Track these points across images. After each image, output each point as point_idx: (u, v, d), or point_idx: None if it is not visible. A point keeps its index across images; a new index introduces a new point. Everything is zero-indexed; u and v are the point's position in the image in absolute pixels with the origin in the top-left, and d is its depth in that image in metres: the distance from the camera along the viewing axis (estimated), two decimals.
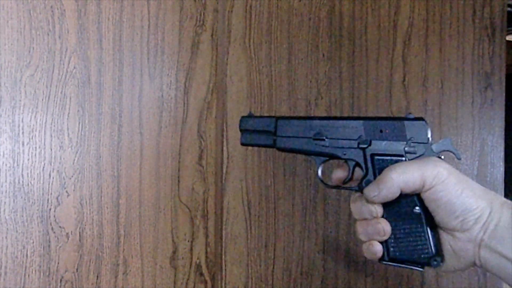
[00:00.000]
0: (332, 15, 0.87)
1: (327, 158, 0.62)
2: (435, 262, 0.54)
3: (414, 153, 0.56)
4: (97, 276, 0.78)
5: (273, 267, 0.86)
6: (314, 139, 0.61)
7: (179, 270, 0.82)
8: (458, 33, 0.90)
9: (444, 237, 0.54)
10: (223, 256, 0.84)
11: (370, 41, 0.88)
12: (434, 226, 0.55)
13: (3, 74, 0.74)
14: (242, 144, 0.68)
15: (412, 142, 0.56)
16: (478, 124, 0.90)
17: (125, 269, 0.80)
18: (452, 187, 0.51)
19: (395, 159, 0.57)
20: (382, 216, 0.57)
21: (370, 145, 0.58)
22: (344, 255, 0.91)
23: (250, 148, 0.85)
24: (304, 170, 0.88)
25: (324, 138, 0.61)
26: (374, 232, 0.56)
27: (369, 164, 0.58)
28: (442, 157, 0.55)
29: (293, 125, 0.63)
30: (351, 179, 0.62)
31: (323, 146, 0.61)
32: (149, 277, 0.81)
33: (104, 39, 0.79)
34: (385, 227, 0.56)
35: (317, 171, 0.63)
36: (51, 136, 0.76)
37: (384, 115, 0.89)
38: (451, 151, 0.56)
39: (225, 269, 0.84)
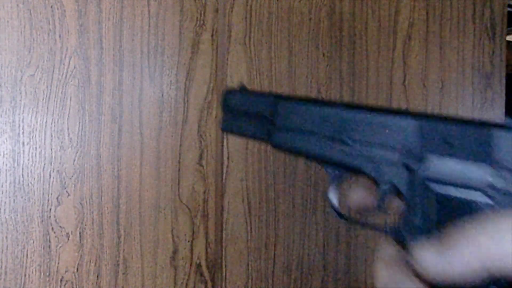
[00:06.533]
0: (332, 15, 0.87)
1: (347, 173, 0.39)
2: None
3: (505, 191, 0.30)
4: (97, 276, 0.78)
5: (273, 267, 0.86)
6: (331, 140, 0.38)
7: (179, 270, 0.82)
8: (458, 33, 0.90)
9: None
10: (223, 256, 0.84)
11: (370, 41, 0.88)
12: None
13: (4, 74, 0.74)
14: (223, 130, 0.47)
15: (507, 169, 0.30)
16: None
17: (125, 269, 0.80)
18: None
19: (467, 194, 0.31)
20: None
21: (423, 163, 0.33)
22: (344, 255, 0.91)
23: (250, 147, 0.85)
24: (304, 170, 0.88)
25: (348, 140, 0.37)
26: None
27: (418, 197, 0.33)
28: None
29: (301, 111, 0.40)
30: (381, 210, 0.37)
31: (344, 153, 0.38)
32: (149, 277, 0.81)
33: (104, 39, 0.79)
34: None
35: (327, 192, 0.40)
36: (52, 136, 0.76)
37: None
38: None
39: (225, 269, 0.84)
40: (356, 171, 0.37)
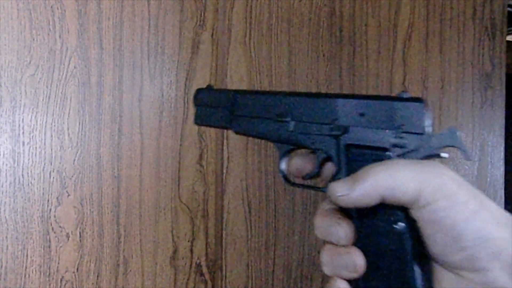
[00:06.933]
0: (332, 15, 0.87)
1: (292, 147, 0.48)
2: None
3: (404, 146, 0.40)
4: (97, 276, 0.78)
5: (274, 267, 0.86)
6: (277, 122, 0.48)
7: (179, 270, 0.82)
8: (459, 33, 0.90)
9: (445, 277, 0.38)
10: (224, 256, 0.84)
11: (370, 41, 0.88)
12: (424, 257, 0.40)
13: (4, 74, 0.74)
14: (195, 123, 0.56)
15: (403, 132, 0.40)
16: (478, 124, 0.90)
17: (125, 269, 0.80)
18: (461, 205, 0.36)
19: (377, 153, 0.41)
20: (355, 244, 0.41)
21: (346, 132, 0.43)
22: None
23: (250, 147, 0.85)
24: None
25: (290, 120, 0.47)
26: (343, 265, 0.40)
27: (343, 160, 0.43)
28: (446, 155, 0.40)
29: (253, 101, 0.50)
30: (318, 175, 0.47)
31: (287, 131, 0.47)
32: (149, 277, 0.81)
33: (104, 39, 0.79)
34: (357, 261, 0.40)
35: (279, 163, 0.49)
36: (52, 136, 0.76)
37: None
38: (457, 147, 0.39)
39: (226, 269, 0.84)
40: (298, 145, 0.47)
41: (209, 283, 0.84)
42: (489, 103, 0.91)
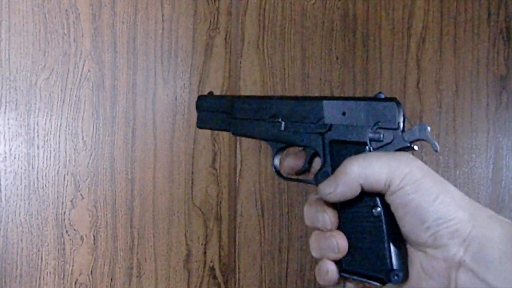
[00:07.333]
0: (345, 18, 0.87)
1: (284, 145, 0.54)
2: (395, 277, 0.44)
3: (380, 140, 0.46)
4: (111, 279, 0.79)
5: (287, 270, 0.86)
6: (270, 123, 0.53)
7: (192, 273, 0.82)
8: (473, 36, 0.89)
9: (415, 255, 0.44)
10: (237, 259, 0.84)
11: (384, 44, 0.88)
12: (399, 237, 0.45)
13: (19, 78, 0.75)
14: (198, 127, 0.61)
15: (379, 128, 0.46)
16: (493, 127, 0.90)
17: (139, 272, 0.80)
18: (425, 191, 0.41)
19: (357, 147, 0.47)
20: (338, 228, 0.47)
21: (330, 130, 0.49)
22: None
23: (263, 150, 0.84)
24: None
25: (281, 121, 0.53)
26: (327, 247, 0.46)
27: (328, 154, 0.49)
28: (416, 147, 0.46)
29: (248, 105, 0.56)
30: (307, 170, 0.53)
31: (279, 131, 0.53)
32: (163, 280, 0.81)
33: (118, 42, 0.79)
34: (340, 243, 0.45)
35: (272, 160, 0.55)
36: (66, 139, 0.77)
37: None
38: (426, 141, 0.45)
39: (239, 272, 0.84)
40: (289, 143, 0.52)
41: (222, 286, 0.84)
42: (504, 106, 0.90)
